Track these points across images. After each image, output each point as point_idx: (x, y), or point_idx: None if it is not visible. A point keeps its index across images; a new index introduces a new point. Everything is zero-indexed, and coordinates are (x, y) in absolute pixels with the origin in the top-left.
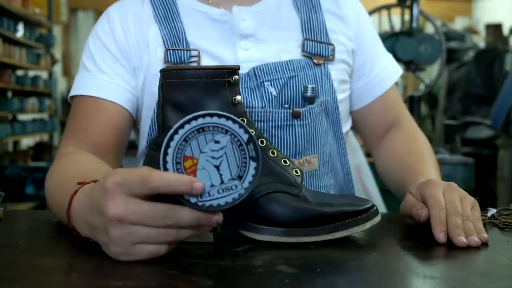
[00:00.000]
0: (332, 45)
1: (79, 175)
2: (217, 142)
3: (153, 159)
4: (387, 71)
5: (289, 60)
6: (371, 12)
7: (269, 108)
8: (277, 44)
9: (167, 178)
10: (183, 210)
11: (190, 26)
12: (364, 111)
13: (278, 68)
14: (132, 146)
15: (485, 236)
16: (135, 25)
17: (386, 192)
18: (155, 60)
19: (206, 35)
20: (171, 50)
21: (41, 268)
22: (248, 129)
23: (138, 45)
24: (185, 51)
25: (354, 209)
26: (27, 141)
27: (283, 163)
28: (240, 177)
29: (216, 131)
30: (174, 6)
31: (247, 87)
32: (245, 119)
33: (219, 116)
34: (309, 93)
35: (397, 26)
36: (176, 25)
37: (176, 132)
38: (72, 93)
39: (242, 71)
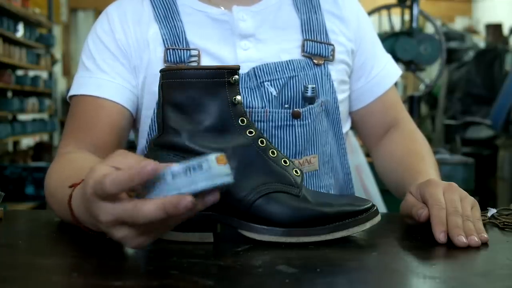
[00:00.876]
0: (332, 45)
1: (76, 175)
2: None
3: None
4: (387, 71)
5: (289, 60)
6: (371, 12)
7: (269, 108)
8: (277, 44)
9: (118, 179)
10: (149, 206)
11: (190, 26)
12: (363, 111)
13: (278, 68)
14: (131, 146)
15: (485, 236)
16: (135, 24)
17: (386, 192)
18: (155, 59)
19: (206, 35)
20: (171, 50)
21: (41, 268)
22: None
23: (138, 44)
24: (185, 51)
25: (354, 209)
26: (27, 141)
27: (283, 163)
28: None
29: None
30: (174, 5)
31: (247, 87)
32: (245, 119)
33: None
34: (309, 93)
35: (397, 26)
36: (176, 24)
37: None
38: (71, 92)
39: (242, 71)
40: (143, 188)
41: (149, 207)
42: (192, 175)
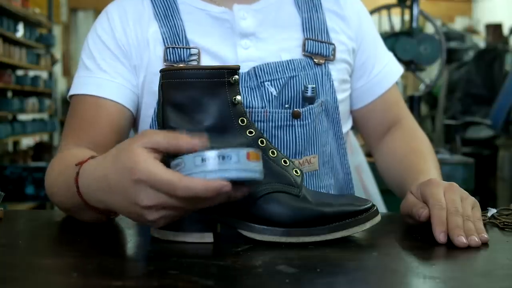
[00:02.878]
0: (333, 44)
1: (78, 161)
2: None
3: None
4: (388, 70)
5: (289, 60)
6: (371, 12)
7: (269, 108)
8: (278, 43)
9: (193, 190)
10: (196, 183)
11: (190, 24)
12: (365, 110)
13: (279, 68)
14: None
15: (485, 236)
16: (135, 23)
17: (386, 192)
18: (155, 58)
19: (206, 33)
20: (170, 48)
21: (41, 268)
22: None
23: (138, 43)
24: (185, 49)
25: (354, 209)
26: (27, 141)
27: (283, 163)
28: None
29: None
30: (174, 4)
31: (247, 87)
32: (245, 119)
33: None
34: (309, 93)
35: (397, 26)
36: (176, 23)
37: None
38: (71, 92)
39: (242, 70)
40: (173, 168)
41: (196, 182)
42: (221, 163)
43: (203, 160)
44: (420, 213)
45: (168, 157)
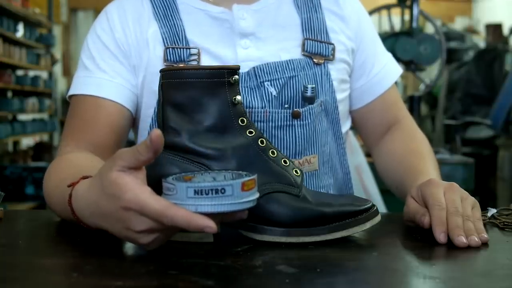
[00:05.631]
0: (332, 44)
1: (75, 174)
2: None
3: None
4: (387, 70)
5: (289, 60)
6: (371, 12)
7: (269, 108)
8: (277, 43)
9: (177, 223)
10: (180, 215)
11: (190, 24)
12: (364, 110)
13: (278, 68)
14: (131, 146)
15: (485, 236)
16: (135, 23)
17: (386, 192)
18: (154, 58)
19: (206, 33)
20: (170, 49)
21: (41, 268)
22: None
23: (138, 43)
24: (184, 49)
25: (354, 209)
26: (27, 141)
27: (283, 163)
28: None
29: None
30: (173, 4)
31: (247, 87)
32: (245, 119)
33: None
34: (309, 93)
35: (397, 26)
36: (175, 23)
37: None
38: (71, 92)
39: (242, 70)
40: (164, 190)
41: (181, 216)
42: (214, 198)
43: (195, 192)
44: (422, 220)
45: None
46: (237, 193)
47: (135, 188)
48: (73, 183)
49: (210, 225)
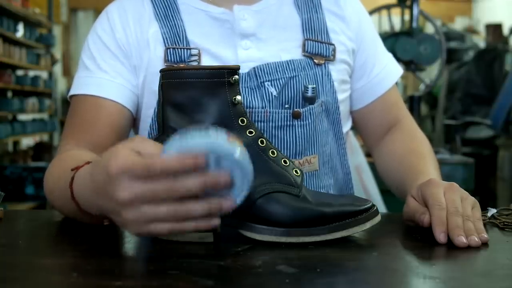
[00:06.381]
0: (333, 45)
1: (77, 164)
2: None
3: None
4: (388, 71)
5: (289, 60)
6: (371, 12)
7: (269, 108)
8: (278, 44)
9: (171, 164)
10: (189, 178)
11: (191, 25)
12: (364, 111)
13: (279, 68)
14: None
15: (485, 236)
16: (135, 23)
17: (386, 192)
18: (155, 58)
19: (207, 34)
20: (171, 49)
21: (41, 268)
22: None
23: (138, 43)
24: (185, 50)
25: (354, 209)
26: (27, 141)
27: (283, 163)
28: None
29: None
30: (174, 4)
31: (247, 87)
32: (245, 119)
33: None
34: (309, 93)
35: (397, 26)
36: (176, 23)
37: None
38: (72, 92)
39: (242, 70)
40: None
41: (191, 179)
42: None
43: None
44: (422, 219)
45: None
46: (222, 136)
47: (127, 153)
48: (77, 167)
49: (199, 158)
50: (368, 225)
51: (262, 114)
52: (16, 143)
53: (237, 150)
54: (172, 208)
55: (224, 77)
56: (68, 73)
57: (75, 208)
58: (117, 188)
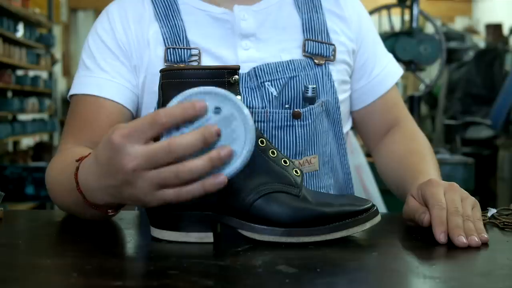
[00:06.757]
0: (333, 45)
1: (79, 156)
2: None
3: None
4: (388, 71)
5: (290, 60)
6: (371, 12)
7: (270, 108)
8: (278, 44)
9: (172, 112)
10: (185, 136)
11: (191, 25)
12: (364, 111)
13: (279, 68)
14: None
15: (485, 236)
16: (136, 23)
17: (386, 192)
18: (155, 58)
19: (207, 34)
20: (171, 49)
21: (41, 268)
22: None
23: (139, 43)
24: (185, 50)
25: (354, 209)
26: (27, 141)
27: (283, 163)
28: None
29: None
30: (175, 4)
31: (248, 87)
32: None
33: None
34: (309, 94)
35: (397, 26)
36: (176, 23)
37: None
38: (72, 91)
39: (243, 71)
40: None
41: (187, 136)
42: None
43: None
44: (422, 218)
45: None
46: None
47: (125, 124)
48: (82, 158)
49: (202, 103)
50: (368, 225)
51: (262, 114)
52: (16, 143)
53: (234, 96)
54: (174, 168)
55: (224, 77)
56: (68, 73)
57: (80, 200)
58: (122, 156)
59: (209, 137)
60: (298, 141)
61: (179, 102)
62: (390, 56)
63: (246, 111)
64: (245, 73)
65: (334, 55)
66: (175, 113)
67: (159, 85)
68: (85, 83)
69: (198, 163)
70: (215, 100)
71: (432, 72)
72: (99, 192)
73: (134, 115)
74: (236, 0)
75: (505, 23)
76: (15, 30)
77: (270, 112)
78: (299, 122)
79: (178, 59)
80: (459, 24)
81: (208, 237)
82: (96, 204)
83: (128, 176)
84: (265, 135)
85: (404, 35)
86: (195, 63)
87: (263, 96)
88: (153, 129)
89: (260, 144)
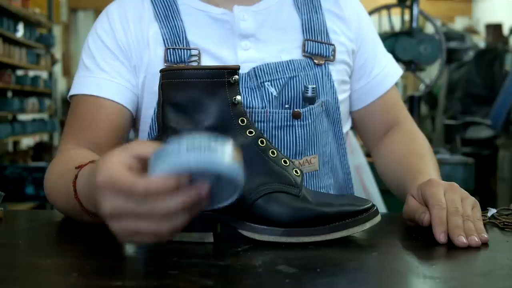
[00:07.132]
0: (333, 45)
1: (80, 163)
2: None
3: None
4: (388, 71)
5: (289, 60)
6: (371, 12)
7: (270, 108)
8: (278, 45)
9: (153, 187)
10: (170, 198)
11: (191, 25)
12: (364, 111)
13: (279, 68)
14: None
15: (485, 236)
16: (135, 23)
17: (386, 192)
18: (155, 59)
19: (207, 35)
20: (171, 49)
21: (41, 268)
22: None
23: (138, 43)
24: (185, 50)
25: (354, 209)
26: (27, 141)
27: (283, 163)
28: None
29: None
30: (174, 5)
31: (247, 87)
32: (245, 119)
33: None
34: (309, 94)
35: (397, 26)
36: (176, 23)
37: None
38: (72, 92)
39: (242, 71)
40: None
41: (155, 179)
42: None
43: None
44: (422, 218)
45: None
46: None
47: (115, 165)
48: (81, 165)
49: (183, 179)
50: (368, 225)
51: (262, 114)
52: (16, 143)
53: (232, 167)
54: (153, 225)
55: (224, 77)
56: (68, 73)
57: (78, 207)
58: (102, 199)
59: (195, 204)
60: (298, 141)
61: (171, 165)
62: (389, 56)
63: (240, 181)
64: (245, 73)
65: (333, 55)
66: (154, 189)
67: (159, 85)
68: (85, 83)
69: (178, 222)
70: (211, 172)
71: (432, 72)
72: (93, 206)
73: (134, 115)
74: (236, 0)
75: (505, 23)
76: (15, 30)
77: (270, 112)
78: (299, 122)
79: (178, 59)
80: (459, 24)
81: (208, 237)
82: (93, 212)
83: (106, 216)
84: (265, 135)
85: (404, 35)
86: (195, 63)
87: (263, 96)
88: (130, 194)
89: (260, 144)
